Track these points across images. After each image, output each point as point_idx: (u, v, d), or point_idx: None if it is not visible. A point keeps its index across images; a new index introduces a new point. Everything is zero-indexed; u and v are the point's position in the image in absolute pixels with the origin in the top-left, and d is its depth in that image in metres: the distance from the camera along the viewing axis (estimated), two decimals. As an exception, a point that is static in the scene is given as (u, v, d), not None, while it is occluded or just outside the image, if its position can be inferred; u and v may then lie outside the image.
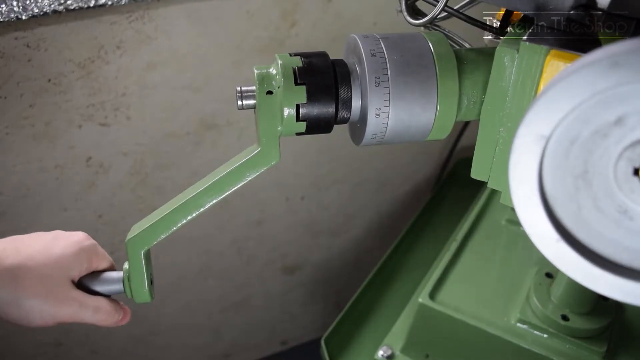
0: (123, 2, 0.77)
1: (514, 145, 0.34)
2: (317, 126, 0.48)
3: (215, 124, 0.98)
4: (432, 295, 0.72)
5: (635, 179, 0.33)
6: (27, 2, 0.71)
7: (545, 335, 0.67)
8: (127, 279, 0.53)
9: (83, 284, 0.53)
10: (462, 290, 0.74)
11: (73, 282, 0.52)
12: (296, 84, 0.45)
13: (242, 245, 1.18)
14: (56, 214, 0.93)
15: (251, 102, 0.48)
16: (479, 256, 0.79)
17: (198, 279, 1.18)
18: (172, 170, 0.99)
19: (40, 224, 0.92)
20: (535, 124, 0.33)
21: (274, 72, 0.47)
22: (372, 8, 0.98)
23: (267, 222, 1.17)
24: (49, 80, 0.80)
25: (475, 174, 0.49)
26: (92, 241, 0.55)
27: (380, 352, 0.76)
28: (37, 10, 0.72)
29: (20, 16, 0.71)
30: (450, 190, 1.17)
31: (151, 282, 0.55)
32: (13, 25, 0.73)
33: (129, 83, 0.86)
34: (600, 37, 0.40)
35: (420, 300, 0.72)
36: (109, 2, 0.76)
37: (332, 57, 0.49)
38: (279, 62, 0.46)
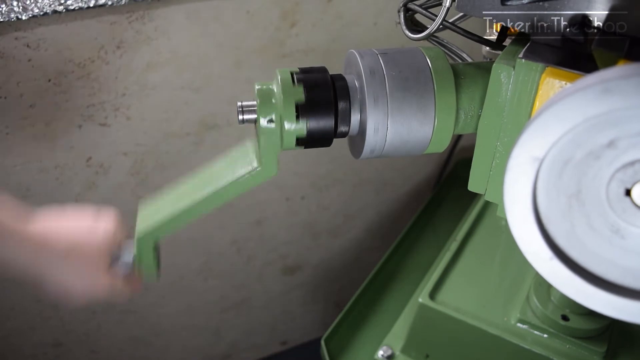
0: (123, 2, 0.77)
1: (508, 165, 0.34)
2: (316, 143, 0.49)
3: (216, 125, 0.98)
4: (432, 295, 0.72)
5: (627, 199, 0.34)
6: (27, 2, 0.71)
7: (545, 335, 0.67)
8: (137, 263, 0.58)
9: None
10: (462, 290, 0.74)
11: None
12: (297, 116, 0.47)
13: (242, 245, 1.18)
14: (56, 214, 0.93)
15: (252, 116, 0.49)
16: (479, 256, 0.79)
17: (198, 279, 1.18)
18: (172, 171, 0.99)
19: (40, 224, 0.92)
20: (529, 145, 0.33)
21: (275, 89, 0.48)
22: (372, 8, 0.98)
23: (267, 222, 1.17)
24: (49, 80, 0.80)
25: (473, 186, 0.50)
26: (118, 220, 0.60)
27: (380, 352, 0.76)
28: (37, 10, 0.72)
29: (20, 16, 0.71)
30: (450, 190, 1.17)
31: (158, 265, 0.60)
32: (13, 25, 0.73)
33: (129, 83, 0.86)
34: (595, 55, 0.40)
35: (420, 300, 0.72)
36: (109, 2, 0.76)
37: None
38: (280, 90, 0.47)
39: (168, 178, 0.99)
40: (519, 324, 0.68)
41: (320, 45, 0.97)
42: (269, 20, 0.91)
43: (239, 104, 0.49)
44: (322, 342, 0.83)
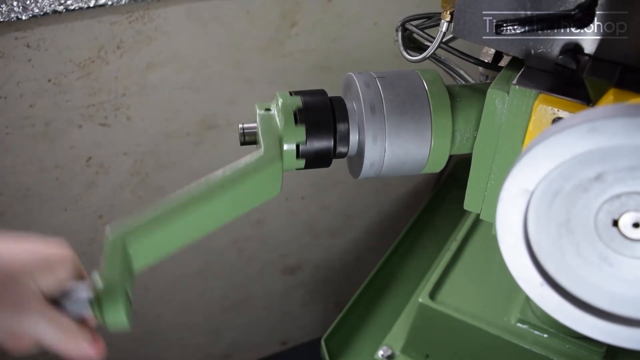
0: (123, 2, 0.77)
1: (500, 196, 0.36)
2: (316, 162, 0.50)
3: (216, 125, 0.98)
4: (432, 295, 0.72)
5: (614, 229, 0.35)
6: (27, 2, 0.71)
7: (545, 335, 0.67)
8: (97, 299, 0.43)
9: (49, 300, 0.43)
10: (462, 290, 0.74)
11: (42, 294, 0.42)
12: (296, 124, 0.47)
13: (242, 245, 1.18)
14: (56, 214, 0.93)
15: (253, 138, 0.50)
16: (479, 256, 0.79)
17: (198, 278, 1.18)
18: (172, 171, 0.99)
19: (40, 224, 0.92)
20: (520, 178, 0.35)
21: (275, 112, 0.49)
22: (372, 8, 0.98)
23: (267, 222, 1.17)
24: (49, 80, 0.80)
25: (468, 205, 0.51)
26: (69, 251, 0.46)
27: (380, 352, 0.76)
28: (37, 10, 0.72)
29: (20, 16, 0.71)
30: (450, 190, 1.17)
31: (130, 303, 0.44)
32: (13, 25, 0.73)
33: (129, 83, 0.86)
34: (586, 83, 0.41)
35: (420, 300, 0.72)
36: (109, 2, 0.76)
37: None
38: (280, 103, 0.48)
39: (168, 178, 1.00)
40: (519, 324, 0.68)
41: (320, 45, 0.97)
42: (269, 20, 0.91)
43: (240, 126, 0.50)
44: (322, 342, 0.83)
